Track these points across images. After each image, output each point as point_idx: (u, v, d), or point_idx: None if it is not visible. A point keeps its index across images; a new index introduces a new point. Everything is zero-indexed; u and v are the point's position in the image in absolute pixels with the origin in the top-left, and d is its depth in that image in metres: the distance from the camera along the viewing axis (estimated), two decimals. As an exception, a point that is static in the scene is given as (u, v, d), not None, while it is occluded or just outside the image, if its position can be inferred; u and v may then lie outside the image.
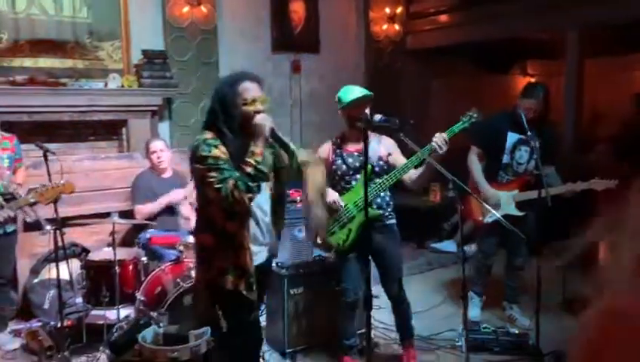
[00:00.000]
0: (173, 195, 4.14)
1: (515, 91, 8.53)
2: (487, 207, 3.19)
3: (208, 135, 2.27)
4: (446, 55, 6.87)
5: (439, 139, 2.85)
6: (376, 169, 3.12)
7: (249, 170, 2.17)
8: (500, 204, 3.74)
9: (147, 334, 2.18)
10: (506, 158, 3.81)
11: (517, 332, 3.56)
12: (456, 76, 7.30)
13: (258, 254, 2.42)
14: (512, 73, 8.57)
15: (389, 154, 3.18)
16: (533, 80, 8.75)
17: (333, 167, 3.20)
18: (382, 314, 3.89)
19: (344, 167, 3.18)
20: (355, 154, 3.18)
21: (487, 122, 3.66)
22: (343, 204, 3.12)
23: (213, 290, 2.34)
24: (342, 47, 6.66)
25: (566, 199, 3.62)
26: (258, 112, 2.26)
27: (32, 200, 2.45)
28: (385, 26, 6.94)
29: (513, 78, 8.61)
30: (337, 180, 3.21)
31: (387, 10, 6.88)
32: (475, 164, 3.90)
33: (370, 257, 3.04)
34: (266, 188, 2.42)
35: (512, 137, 3.78)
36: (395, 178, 3.03)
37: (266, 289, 2.75)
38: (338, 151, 3.22)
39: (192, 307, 2.98)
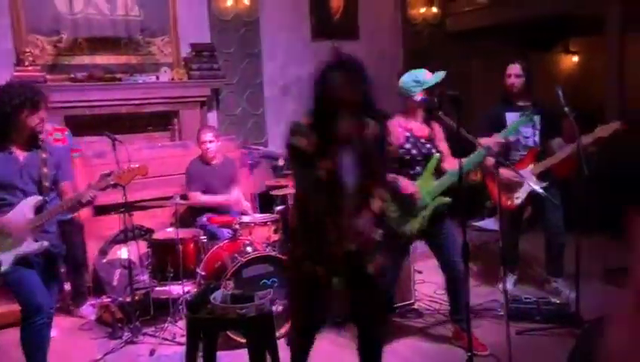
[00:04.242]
0: (226, 200, 4.40)
1: (558, 70, 8.43)
2: (530, 182, 3.32)
3: (303, 120, 2.30)
4: (486, 36, 6.83)
5: (493, 143, 3.12)
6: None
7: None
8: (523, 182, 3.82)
9: (217, 295, 2.44)
10: (512, 137, 3.93)
11: (558, 302, 3.65)
12: (497, 57, 7.25)
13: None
14: (555, 51, 8.44)
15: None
16: (576, 57, 8.62)
17: (400, 150, 3.12)
18: (425, 287, 4.17)
19: (414, 151, 3.14)
20: (422, 140, 3.15)
21: (485, 113, 4.13)
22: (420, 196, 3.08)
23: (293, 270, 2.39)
24: (380, 32, 6.74)
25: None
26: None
27: (112, 182, 2.72)
28: (423, 9, 6.98)
29: (555, 56, 8.48)
30: (404, 165, 3.13)
31: (425, -7, 6.92)
32: None
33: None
34: None
35: (511, 116, 3.92)
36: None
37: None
38: (409, 135, 3.15)
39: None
